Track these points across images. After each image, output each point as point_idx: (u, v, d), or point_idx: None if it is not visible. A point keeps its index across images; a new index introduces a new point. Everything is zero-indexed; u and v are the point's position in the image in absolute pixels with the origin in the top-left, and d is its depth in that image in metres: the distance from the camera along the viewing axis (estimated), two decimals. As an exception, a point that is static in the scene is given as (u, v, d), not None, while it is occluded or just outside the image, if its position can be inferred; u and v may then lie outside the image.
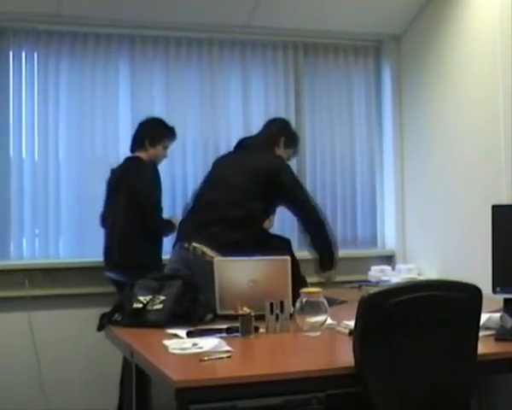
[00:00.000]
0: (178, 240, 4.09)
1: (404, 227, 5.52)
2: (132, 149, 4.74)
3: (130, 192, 4.51)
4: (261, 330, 3.15)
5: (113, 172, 4.71)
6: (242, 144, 4.35)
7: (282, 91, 5.46)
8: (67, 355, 4.74)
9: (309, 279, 4.10)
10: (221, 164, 4.31)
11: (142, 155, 4.68)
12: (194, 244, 3.90)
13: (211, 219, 3.93)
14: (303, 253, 4.33)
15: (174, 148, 5.01)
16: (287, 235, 4.53)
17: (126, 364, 3.96)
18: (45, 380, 4.78)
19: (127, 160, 4.72)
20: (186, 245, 3.95)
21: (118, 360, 4.30)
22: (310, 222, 4.20)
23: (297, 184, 4.18)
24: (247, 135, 4.56)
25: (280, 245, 4.01)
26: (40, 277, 4.79)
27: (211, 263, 3.61)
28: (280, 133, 4.36)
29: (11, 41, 4.92)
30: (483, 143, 4.56)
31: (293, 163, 5.30)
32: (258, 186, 4.01)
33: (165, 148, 4.77)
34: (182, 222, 4.22)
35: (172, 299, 3.39)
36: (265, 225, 4.23)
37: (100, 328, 3.52)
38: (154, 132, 4.71)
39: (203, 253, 3.85)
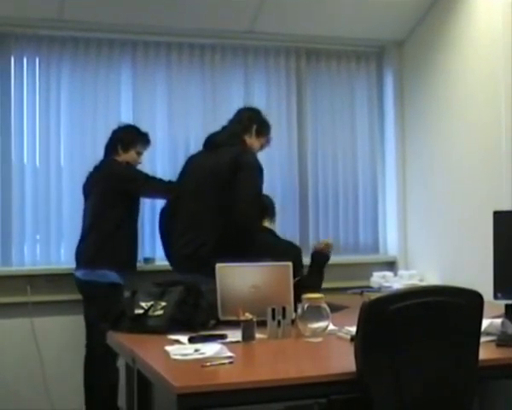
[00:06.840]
0: None
1: (406, 233, 5.52)
2: (106, 155, 4.77)
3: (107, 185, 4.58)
4: (263, 335, 3.15)
5: (89, 175, 4.75)
6: (210, 142, 4.32)
7: (284, 97, 5.47)
8: (71, 360, 4.72)
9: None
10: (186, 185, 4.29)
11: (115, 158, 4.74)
12: None
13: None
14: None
15: (175, 152, 5.02)
16: (288, 238, 4.54)
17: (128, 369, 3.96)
18: (50, 385, 4.78)
19: (100, 162, 4.76)
20: None
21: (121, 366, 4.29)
22: (238, 221, 3.97)
23: (251, 183, 4.01)
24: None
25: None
26: (42, 283, 4.79)
27: None
28: (251, 121, 4.33)
29: (13, 46, 4.92)
30: (485, 149, 4.56)
31: (295, 170, 5.36)
32: (217, 194, 4.02)
33: (139, 153, 4.78)
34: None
35: (173, 305, 3.38)
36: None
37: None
38: (126, 137, 4.73)
39: None
